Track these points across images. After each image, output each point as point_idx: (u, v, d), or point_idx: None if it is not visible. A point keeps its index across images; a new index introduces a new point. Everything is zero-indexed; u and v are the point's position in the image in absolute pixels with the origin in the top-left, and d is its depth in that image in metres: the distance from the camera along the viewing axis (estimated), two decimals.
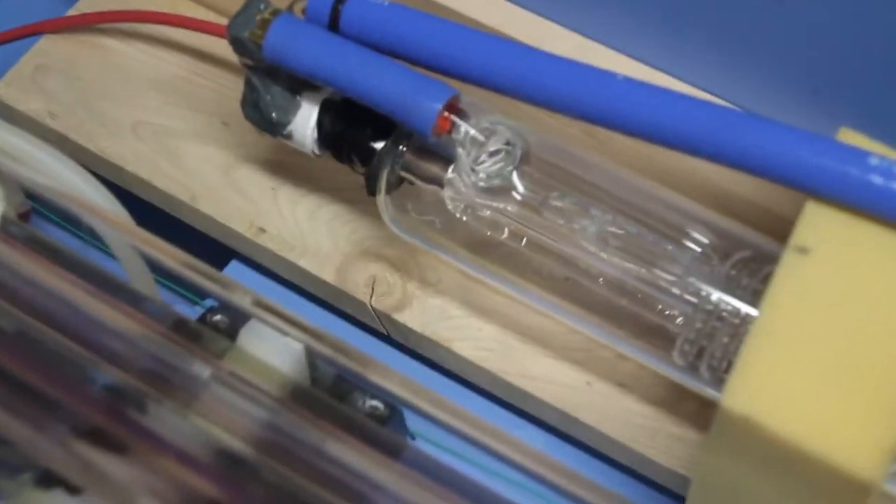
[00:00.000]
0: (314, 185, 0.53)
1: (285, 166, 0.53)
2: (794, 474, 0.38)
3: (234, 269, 0.54)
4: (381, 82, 0.43)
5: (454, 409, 0.42)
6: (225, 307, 0.45)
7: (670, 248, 0.44)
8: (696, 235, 0.45)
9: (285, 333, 0.42)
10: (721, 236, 0.44)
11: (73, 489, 0.39)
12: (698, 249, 0.44)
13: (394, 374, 0.44)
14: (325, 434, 0.41)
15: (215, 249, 0.53)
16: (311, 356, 0.43)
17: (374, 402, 0.44)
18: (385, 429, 0.44)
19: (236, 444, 0.40)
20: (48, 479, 0.39)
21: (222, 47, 0.46)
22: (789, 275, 0.39)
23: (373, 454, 0.41)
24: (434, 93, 0.43)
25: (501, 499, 0.42)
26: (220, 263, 0.54)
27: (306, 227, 0.52)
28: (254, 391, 0.41)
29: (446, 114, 0.43)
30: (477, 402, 0.50)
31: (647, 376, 0.48)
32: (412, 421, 0.44)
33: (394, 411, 0.44)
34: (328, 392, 0.44)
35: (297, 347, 0.42)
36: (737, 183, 0.46)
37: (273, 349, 0.42)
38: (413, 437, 0.47)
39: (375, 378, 0.43)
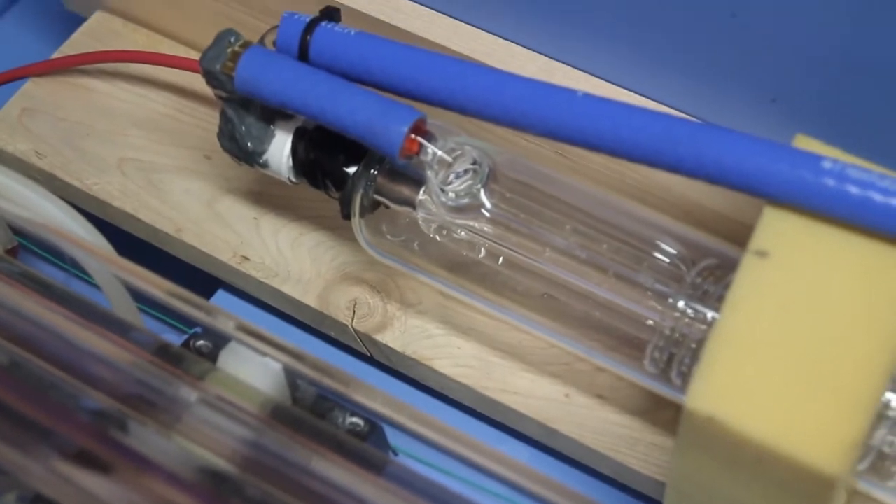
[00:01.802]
0: (295, 214, 0.54)
1: (267, 197, 0.54)
2: (761, 473, 0.39)
3: (221, 298, 0.55)
4: (349, 108, 0.45)
5: (436, 425, 0.43)
6: (208, 333, 0.46)
7: (639, 259, 0.45)
8: (665, 247, 0.46)
9: (264, 354, 0.43)
10: (689, 247, 0.45)
11: None
12: (667, 260, 0.45)
13: (375, 391, 0.45)
14: (308, 451, 0.42)
15: (201, 280, 0.54)
16: (291, 376, 0.44)
17: (355, 419, 0.45)
18: (367, 445, 0.45)
19: (220, 463, 0.41)
20: (35, 500, 0.40)
21: (203, 83, 0.48)
22: (749, 278, 0.40)
23: (356, 469, 0.42)
24: (400, 116, 0.44)
25: None
26: (207, 293, 0.55)
27: (289, 255, 0.53)
28: (236, 411, 0.42)
29: (413, 136, 0.45)
30: (459, 418, 0.51)
31: (624, 387, 0.49)
32: (394, 437, 0.45)
33: (374, 427, 0.45)
34: (309, 411, 0.45)
35: (277, 367, 0.43)
36: (708, 196, 0.48)
37: (253, 370, 0.43)
38: (395, 453, 0.48)
39: (357, 396, 0.44)
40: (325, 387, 0.44)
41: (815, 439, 0.37)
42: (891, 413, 0.41)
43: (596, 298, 0.46)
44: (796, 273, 0.40)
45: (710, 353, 0.39)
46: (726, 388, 0.38)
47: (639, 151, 0.42)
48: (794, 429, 0.38)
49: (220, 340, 0.45)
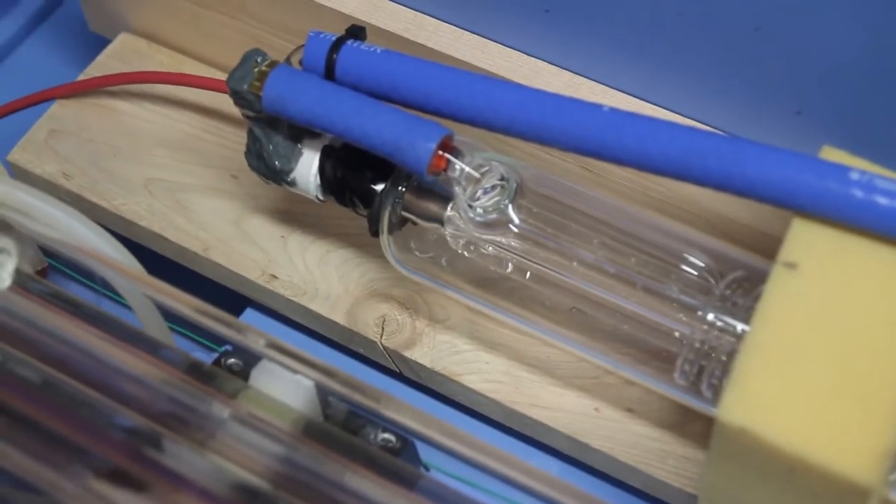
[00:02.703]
0: (322, 232, 0.54)
1: (294, 215, 0.55)
2: (793, 484, 0.39)
3: (250, 316, 0.56)
4: (377, 126, 0.45)
5: (467, 439, 0.44)
6: (238, 350, 0.46)
7: (667, 272, 0.45)
8: (693, 259, 0.46)
9: (296, 372, 0.44)
10: (717, 259, 0.45)
11: None
12: (695, 273, 0.45)
13: (406, 407, 0.45)
14: (341, 467, 0.42)
15: (229, 299, 0.55)
16: (323, 393, 0.44)
17: (387, 435, 0.45)
18: (399, 460, 0.45)
19: (253, 480, 0.42)
20: None
21: (228, 103, 0.48)
22: (779, 290, 0.40)
23: (389, 485, 0.42)
24: (428, 133, 0.45)
25: None
26: (235, 312, 0.56)
27: (316, 272, 0.53)
28: (268, 427, 0.43)
29: (441, 153, 0.45)
30: (488, 433, 0.51)
31: (654, 400, 0.49)
32: (426, 453, 0.45)
33: (406, 443, 0.45)
34: (341, 427, 0.46)
35: (309, 384, 0.43)
36: (734, 208, 0.48)
37: (284, 387, 0.44)
38: (427, 469, 0.48)
39: (388, 412, 0.44)
40: (357, 403, 0.44)
41: (848, 449, 0.38)
42: None
43: (624, 312, 0.46)
44: (826, 284, 0.40)
45: (742, 364, 0.39)
46: (758, 400, 0.39)
47: (665, 165, 0.42)
48: (826, 439, 0.38)
49: (250, 358, 0.45)
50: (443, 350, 0.51)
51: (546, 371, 0.50)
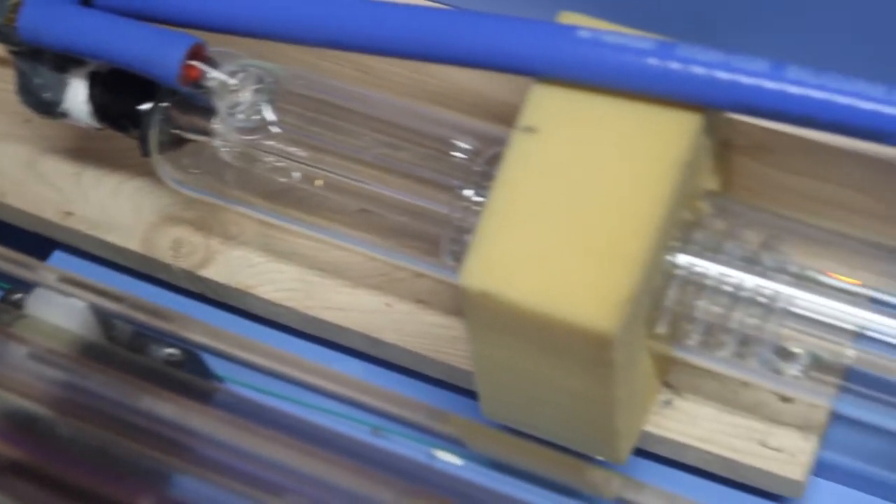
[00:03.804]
0: (116, 165, 0.54)
1: (87, 151, 0.55)
2: (546, 343, 0.40)
3: (57, 259, 0.56)
4: (127, 43, 0.45)
5: (258, 348, 0.44)
6: (21, 285, 0.46)
7: (437, 159, 0.46)
8: (461, 144, 0.46)
9: (70, 295, 0.44)
10: (484, 140, 0.46)
11: None
12: (464, 156, 0.46)
13: (193, 321, 0.46)
14: (129, 386, 0.42)
15: (34, 244, 0.55)
16: (103, 315, 0.44)
17: (170, 350, 0.45)
18: (190, 375, 0.45)
19: (33, 407, 0.42)
20: None
21: None
22: (518, 155, 0.41)
23: (181, 400, 0.42)
24: (176, 43, 0.45)
25: (321, 428, 0.43)
26: (42, 256, 0.56)
27: (111, 204, 0.53)
28: (43, 352, 0.43)
29: (192, 62, 0.45)
30: (290, 342, 0.52)
31: (444, 290, 0.50)
32: (222, 366, 0.46)
33: (191, 356, 0.46)
34: (126, 348, 0.46)
35: (82, 306, 0.44)
36: (498, 89, 0.48)
37: (58, 312, 0.44)
38: (221, 381, 0.49)
39: (175, 328, 0.44)
40: (140, 322, 0.45)
41: (586, 300, 0.38)
42: (679, 272, 0.42)
43: (398, 204, 0.47)
44: (564, 145, 0.41)
45: (481, 229, 0.40)
46: (498, 263, 0.39)
47: (402, 48, 0.43)
48: (567, 294, 0.39)
49: (28, 289, 0.45)
50: (236, 265, 0.51)
51: (338, 274, 0.51)
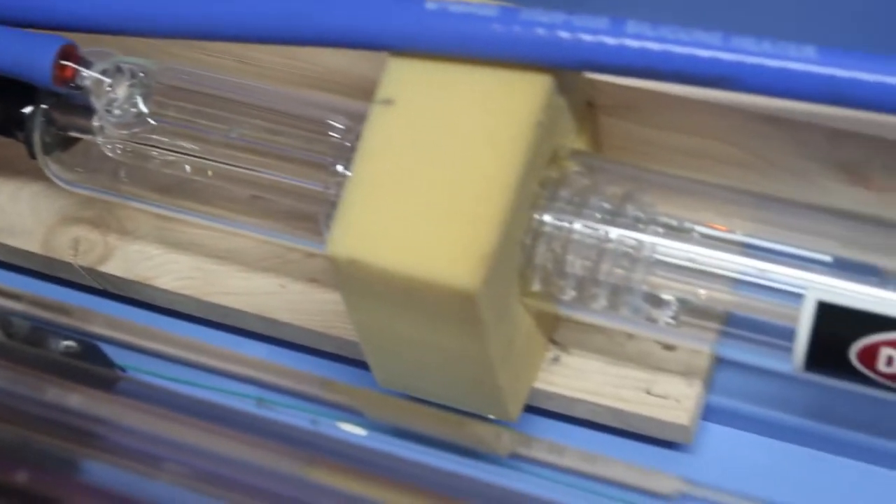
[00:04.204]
0: (13, 171, 0.55)
1: None
2: (417, 307, 0.41)
3: None
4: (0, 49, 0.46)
5: (158, 335, 0.45)
6: None
7: (313, 140, 0.47)
8: (333, 122, 0.47)
9: None
10: (353, 117, 0.47)
11: None
12: (337, 135, 0.47)
13: (92, 314, 0.47)
14: (31, 379, 0.43)
15: None
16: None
17: (68, 343, 0.46)
18: (89, 364, 0.46)
19: None
20: None
21: None
22: (377, 126, 0.42)
23: (85, 390, 0.44)
24: (47, 45, 0.46)
25: (228, 410, 0.44)
26: None
27: (10, 209, 0.55)
28: None
29: (65, 63, 0.46)
30: (191, 329, 0.53)
31: None
32: (122, 357, 0.47)
33: (89, 347, 0.47)
34: (24, 343, 0.47)
35: None
36: (361, 66, 0.49)
37: None
38: (124, 370, 0.50)
39: (73, 321, 0.45)
40: (38, 318, 0.46)
41: (448, 260, 0.40)
42: (546, 230, 0.43)
43: (281, 187, 0.48)
44: (421, 113, 0.42)
45: (346, 199, 0.41)
46: (363, 230, 0.41)
47: (263, 33, 0.44)
48: (429, 254, 0.40)
49: None
50: (135, 259, 0.53)
51: (233, 260, 0.52)
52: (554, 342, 0.48)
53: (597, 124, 0.47)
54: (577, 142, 0.46)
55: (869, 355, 0.39)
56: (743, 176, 0.47)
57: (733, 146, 0.46)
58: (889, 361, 0.39)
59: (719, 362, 0.47)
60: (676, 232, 0.44)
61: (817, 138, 0.45)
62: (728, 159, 0.47)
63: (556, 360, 0.48)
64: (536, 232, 0.43)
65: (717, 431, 0.48)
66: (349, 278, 0.41)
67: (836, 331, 0.39)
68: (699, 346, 0.46)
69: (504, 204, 0.40)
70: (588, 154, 0.46)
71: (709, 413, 0.48)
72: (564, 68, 0.42)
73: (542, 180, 0.43)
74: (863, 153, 0.45)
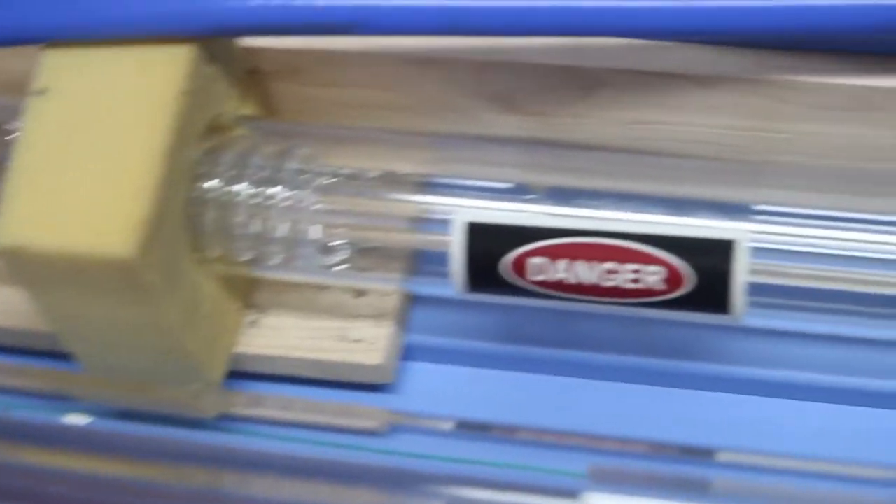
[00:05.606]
0: None
1: None
2: (85, 284, 0.42)
3: None
4: None
5: None
6: None
7: None
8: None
9: None
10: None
11: None
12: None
13: None
14: None
15: None
16: None
17: None
18: None
19: None
20: None
21: None
22: (33, 116, 0.43)
23: None
24: None
25: None
26: None
27: None
28: None
29: None
30: None
31: None
32: None
33: None
34: None
35: None
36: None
37: None
38: None
39: None
40: None
41: (105, 233, 0.41)
42: (212, 195, 0.44)
43: None
44: (73, 99, 0.43)
45: (7, 192, 0.42)
46: (24, 218, 0.42)
47: None
48: (87, 231, 0.41)
49: None
50: None
51: None
52: (252, 306, 0.49)
53: (267, 89, 0.49)
54: (243, 108, 0.47)
55: (519, 267, 0.41)
56: (406, 119, 0.49)
57: (392, 92, 0.48)
58: (537, 270, 0.41)
59: (412, 302, 0.49)
60: (344, 180, 0.45)
61: (466, 73, 0.47)
62: (390, 105, 0.49)
63: (253, 322, 0.49)
64: (200, 198, 0.44)
65: (419, 368, 0.50)
66: (21, 269, 0.42)
67: (487, 249, 0.42)
68: (384, 286, 0.47)
69: (155, 171, 0.41)
70: (253, 118, 0.48)
71: (410, 352, 0.50)
72: (201, 36, 0.43)
73: (206, 148, 0.45)
74: (509, 82, 0.47)
